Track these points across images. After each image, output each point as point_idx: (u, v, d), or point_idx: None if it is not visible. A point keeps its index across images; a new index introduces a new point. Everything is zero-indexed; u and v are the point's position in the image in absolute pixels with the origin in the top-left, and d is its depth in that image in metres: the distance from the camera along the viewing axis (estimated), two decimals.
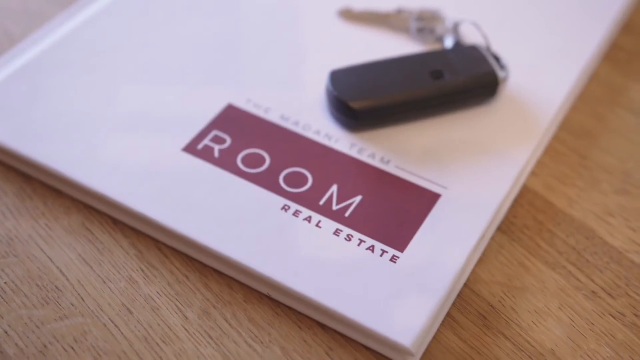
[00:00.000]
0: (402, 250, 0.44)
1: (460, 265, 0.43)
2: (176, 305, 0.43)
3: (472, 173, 0.48)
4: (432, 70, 0.51)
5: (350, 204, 0.46)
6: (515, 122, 0.51)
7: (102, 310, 0.43)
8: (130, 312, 0.43)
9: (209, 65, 0.54)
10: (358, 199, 0.46)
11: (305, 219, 0.45)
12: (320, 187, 0.47)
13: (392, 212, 0.46)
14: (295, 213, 0.46)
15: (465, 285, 0.45)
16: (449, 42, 0.55)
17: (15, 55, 0.54)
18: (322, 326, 0.43)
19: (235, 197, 0.46)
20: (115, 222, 0.47)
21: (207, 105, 0.51)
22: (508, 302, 0.44)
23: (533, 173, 0.50)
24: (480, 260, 0.46)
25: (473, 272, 0.45)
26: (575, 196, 0.49)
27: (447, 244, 0.44)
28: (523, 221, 0.48)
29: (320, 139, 0.49)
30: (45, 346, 0.42)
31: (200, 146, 0.49)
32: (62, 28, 0.56)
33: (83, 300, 0.43)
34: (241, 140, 0.49)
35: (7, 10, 0.61)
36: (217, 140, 0.49)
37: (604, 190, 0.50)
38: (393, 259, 0.44)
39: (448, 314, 0.44)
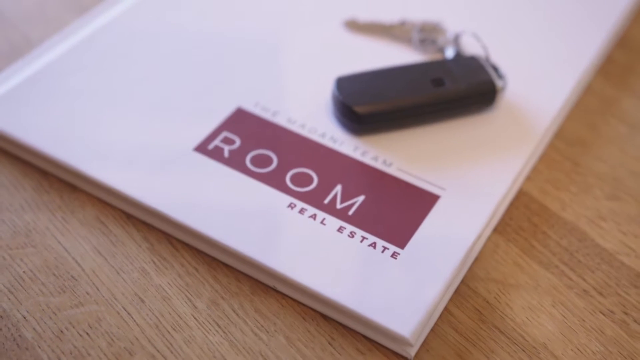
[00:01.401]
0: (402, 247, 0.46)
1: (457, 262, 0.45)
2: (186, 296, 0.45)
3: (470, 176, 0.50)
4: (433, 79, 0.53)
5: (353, 203, 0.48)
6: (512, 130, 0.53)
7: (115, 299, 0.45)
8: (143, 301, 0.45)
9: (219, 70, 0.56)
10: (361, 198, 0.48)
11: (311, 216, 0.47)
12: (325, 187, 0.49)
13: (394, 211, 0.48)
14: (301, 211, 0.48)
15: (462, 282, 0.47)
16: (449, 53, 0.57)
17: (33, 58, 0.56)
18: (325, 317, 0.45)
19: (243, 194, 0.48)
20: (128, 216, 0.49)
21: (217, 108, 0.53)
22: (503, 298, 0.46)
23: (529, 178, 0.52)
24: (477, 259, 0.48)
25: (470, 269, 0.47)
26: (568, 200, 0.51)
27: (446, 242, 0.46)
28: (518, 223, 0.50)
29: (326, 141, 0.52)
30: (61, 331, 0.44)
31: (211, 146, 0.51)
32: (79, 33, 0.58)
33: (98, 289, 0.45)
34: (250, 142, 0.51)
35: (27, 16, 0.63)
36: (227, 141, 0.51)
37: (596, 196, 0.52)
38: (394, 255, 0.46)
39: (446, 309, 0.46)
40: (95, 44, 0.58)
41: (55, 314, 0.44)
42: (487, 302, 0.46)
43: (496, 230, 0.49)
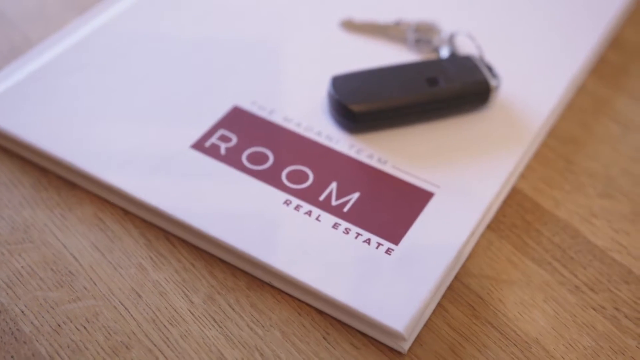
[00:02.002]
0: (396, 244, 0.46)
1: (451, 258, 0.46)
2: (183, 291, 0.46)
3: (464, 174, 0.51)
4: (428, 78, 0.53)
5: (348, 200, 0.49)
6: (506, 129, 0.54)
7: (112, 294, 0.46)
8: (140, 296, 0.46)
9: (217, 69, 0.57)
10: (356, 195, 0.49)
11: (306, 213, 0.48)
12: (320, 184, 0.49)
13: (388, 208, 0.48)
14: (297, 207, 0.48)
15: (455, 278, 0.47)
16: (444, 52, 0.58)
17: (33, 56, 0.57)
18: (320, 312, 0.45)
19: (240, 191, 0.49)
20: (126, 213, 0.50)
21: (214, 107, 0.54)
22: (496, 294, 0.47)
23: (522, 176, 0.53)
24: (471, 256, 0.48)
25: (463, 266, 0.48)
26: (561, 198, 0.52)
27: (439, 239, 0.47)
28: (512, 220, 0.51)
29: (322, 139, 0.52)
30: (59, 325, 0.44)
31: (207, 144, 0.51)
32: (79, 32, 0.59)
33: (95, 284, 0.46)
34: (246, 140, 0.52)
35: (27, 15, 0.63)
36: (224, 139, 0.52)
37: (588, 194, 0.52)
38: (388, 251, 0.46)
39: (439, 304, 0.46)
40: (94, 43, 0.58)
41: (53, 309, 0.45)
42: (480, 297, 0.46)
43: (490, 227, 0.50)
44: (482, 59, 0.55)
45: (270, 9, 0.62)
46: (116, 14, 0.61)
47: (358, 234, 0.47)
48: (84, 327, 0.44)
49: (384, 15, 0.61)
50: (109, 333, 0.44)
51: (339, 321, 0.45)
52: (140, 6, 0.61)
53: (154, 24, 0.60)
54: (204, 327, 0.44)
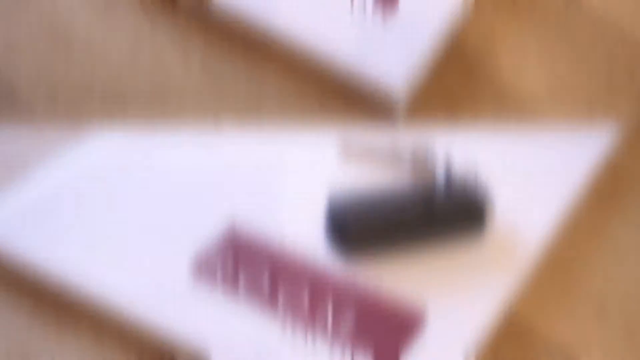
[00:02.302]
0: None
1: None
2: None
3: (458, 299, 0.51)
4: (423, 203, 0.54)
5: (344, 323, 0.49)
6: (501, 255, 0.54)
7: None
8: None
9: (215, 189, 0.58)
10: (351, 319, 0.49)
11: (302, 336, 0.48)
12: (316, 307, 0.50)
13: (383, 331, 0.49)
14: (293, 331, 0.48)
15: None
16: (440, 177, 0.58)
17: (32, 185, 0.58)
18: None
19: (236, 317, 0.49)
20: (122, 331, 0.49)
21: (211, 228, 0.54)
22: None
23: (517, 301, 0.53)
24: None
25: None
26: (557, 323, 0.52)
27: None
28: (507, 347, 0.50)
29: (317, 262, 0.53)
30: None
31: (203, 268, 0.52)
32: (74, 160, 0.60)
33: None
34: (243, 264, 0.52)
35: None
36: (220, 262, 0.52)
37: (584, 317, 0.52)
38: None
39: None
40: (90, 171, 0.59)
41: None
42: None
43: (484, 352, 0.50)
44: (477, 184, 0.56)
45: (269, 132, 0.63)
46: (113, 145, 0.61)
47: (354, 357, 0.47)
48: None
49: (381, 140, 0.62)
50: None
51: None
52: (137, 134, 0.62)
53: (150, 151, 0.61)
54: None
